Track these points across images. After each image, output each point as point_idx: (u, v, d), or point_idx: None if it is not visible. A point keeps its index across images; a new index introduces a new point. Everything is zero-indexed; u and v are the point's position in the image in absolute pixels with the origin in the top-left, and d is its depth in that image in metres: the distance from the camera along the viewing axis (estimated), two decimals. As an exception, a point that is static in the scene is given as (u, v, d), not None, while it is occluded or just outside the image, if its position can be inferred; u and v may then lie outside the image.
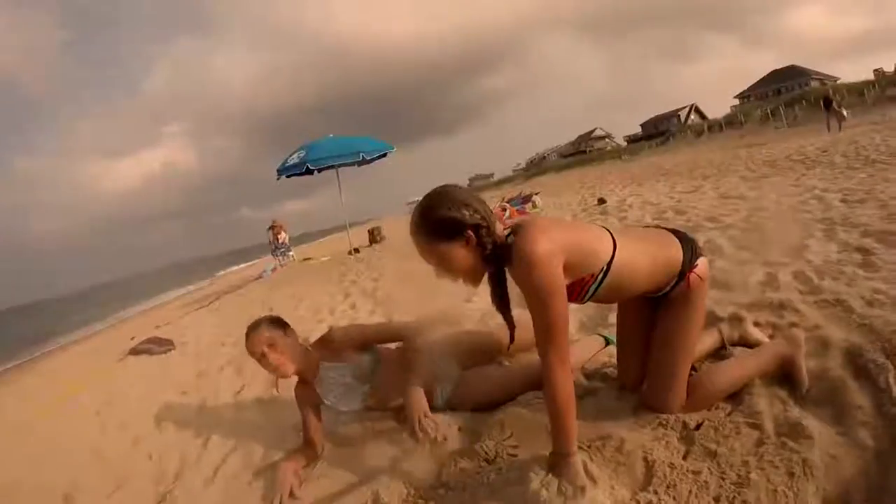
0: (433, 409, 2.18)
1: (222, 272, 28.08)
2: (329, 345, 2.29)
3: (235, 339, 5.10)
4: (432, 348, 2.31)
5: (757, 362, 1.86)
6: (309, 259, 12.79)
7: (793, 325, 2.17)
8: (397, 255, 9.05)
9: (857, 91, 30.14)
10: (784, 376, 1.82)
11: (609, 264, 1.65)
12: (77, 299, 52.79)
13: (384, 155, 11.37)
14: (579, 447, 1.56)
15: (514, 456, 1.80)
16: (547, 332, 1.51)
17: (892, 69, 36.86)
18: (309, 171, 10.54)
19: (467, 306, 4.12)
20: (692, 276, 1.74)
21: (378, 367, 2.28)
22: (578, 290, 1.67)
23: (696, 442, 1.60)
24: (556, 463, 1.53)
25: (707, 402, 1.77)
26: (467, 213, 1.56)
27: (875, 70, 38.36)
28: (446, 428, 1.96)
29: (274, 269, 11.91)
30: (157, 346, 5.68)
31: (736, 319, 2.22)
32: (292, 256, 13.45)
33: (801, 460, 1.43)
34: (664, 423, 1.74)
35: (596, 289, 1.67)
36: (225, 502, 2.10)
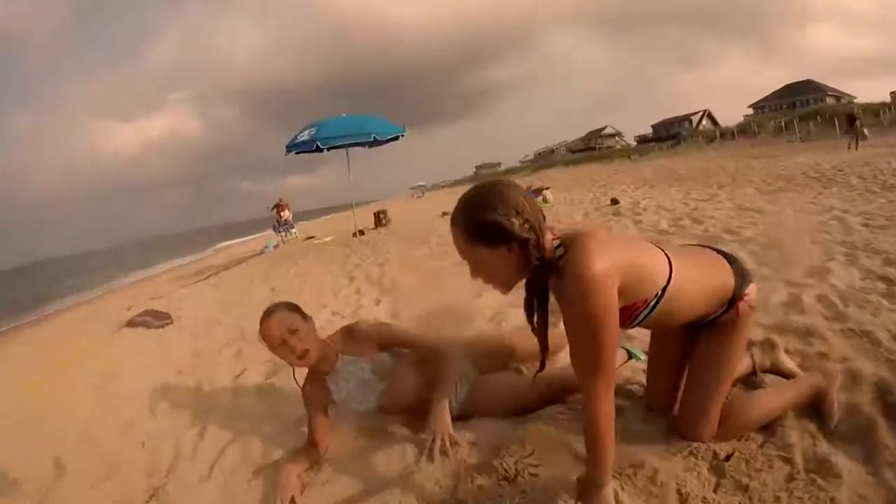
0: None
1: (222, 244, 27.92)
2: (353, 336, 2.17)
3: (234, 318, 5.01)
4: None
5: (793, 394, 1.79)
6: (312, 238, 12.67)
7: (822, 355, 2.12)
8: (403, 241, 8.98)
9: (874, 112, 29.67)
10: (813, 408, 1.76)
11: (664, 290, 1.53)
12: (71, 263, 52.38)
13: (396, 138, 11.21)
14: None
15: (536, 476, 1.68)
16: (594, 360, 1.39)
17: None
18: (318, 149, 10.38)
19: (477, 303, 4.00)
20: (742, 305, 1.65)
21: (395, 366, 2.15)
22: (627, 316, 1.55)
23: (727, 474, 1.54)
24: (587, 492, 1.44)
25: (739, 431, 1.70)
26: (517, 222, 1.41)
27: (892, 92, 38.25)
28: (466, 450, 1.86)
29: (276, 246, 11.79)
30: (155, 319, 5.55)
31: (769, 346, 2.13)
32: (295, 234, 13.32)
33: (829, 499, 1.39)
34: (695, 451, 1.66)
35: (647, 315, 1.56)
36: (222, 501, 1.98)
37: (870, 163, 9.88)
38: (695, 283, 1.59)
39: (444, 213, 13.63)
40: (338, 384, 2.13)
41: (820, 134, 28.09)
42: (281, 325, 2.00)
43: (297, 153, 10.76)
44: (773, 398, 1.76)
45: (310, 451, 2.07)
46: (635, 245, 1.62)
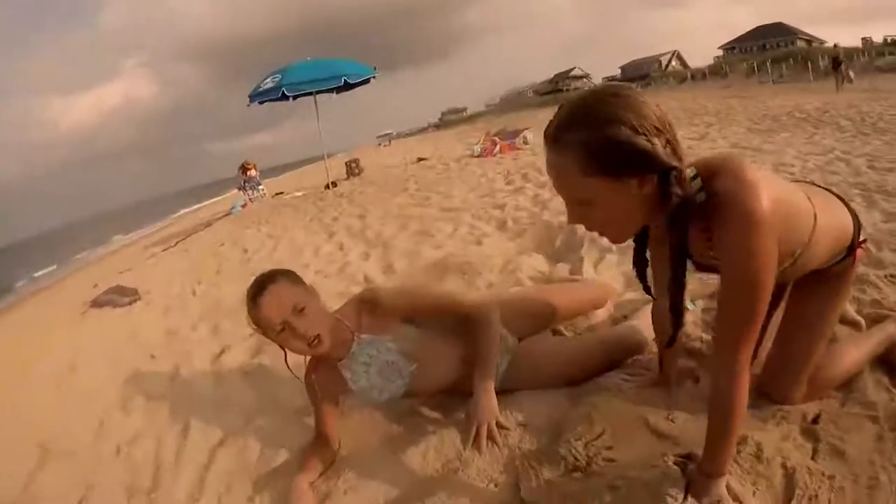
0: None
1: (189, 209, 26.80)
2: (371, 308, 1.71)
3: (207, 287, 4.57)
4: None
5: (872, 346, 1.59)
6: (281, 193, 12.13)
7: (876, 302, 1.93)
8: (379, 190, 8.61)
9: (847, 56, 30.21)
10: (880, 360, 1.60)
11: (809, 238, 1.24)
12: (33, 246, 50.37)
13: (366, 81, 10.48)
14: None
15: (612, 461, 1.35)
16: (747, 323, 1.10)
17: (880, 39, 36.68)
18: (284, 97, 9.67)
19: (479, 251, 3.62)
20: (860, 253, 1.41)
21: (423, 342, 1.72)
22: None
23: (821, 439, 1.36)
24: (701, 483, 1.16)
25: (825, 390, 1.51)
26: (659, 143, 1.02)
27: (863, 38, 38.03)
28: (517, 435, 1.52)
29: (244, 205, 11.23)
30: (121, 295, 5.01)
31: None
32: (263, 191, 12.72)
33: None
34: (785, 415, 1.44)
35: (783, 270, 1.25)
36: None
37: (854, 105, 9.76)
38: (830, 228, 1.31)
39: (420, 159, 13.35)
40: (355, 371, 1.71)
41: (792, 77, 28.45)
42: (281, 305, 1.53)
43: (261, 103, 10.04)
44: (854, 352, 1.56)
45: (320, 450, 1.68)
46: (780, 178, 1.30)
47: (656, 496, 1.15)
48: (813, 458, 1.32)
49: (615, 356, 1.78)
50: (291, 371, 1.72)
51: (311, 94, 10.06)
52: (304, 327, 1.53)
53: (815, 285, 1.43)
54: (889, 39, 36.15)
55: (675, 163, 1.04)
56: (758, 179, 1.07)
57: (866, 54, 30.48)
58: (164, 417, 2.25)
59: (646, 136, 1.01)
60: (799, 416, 1.44)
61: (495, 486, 1.39)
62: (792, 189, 1.27)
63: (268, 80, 9.72)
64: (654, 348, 1.80)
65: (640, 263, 1.30)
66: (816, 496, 1.21)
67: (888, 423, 1.37)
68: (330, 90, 10.37)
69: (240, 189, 12.98)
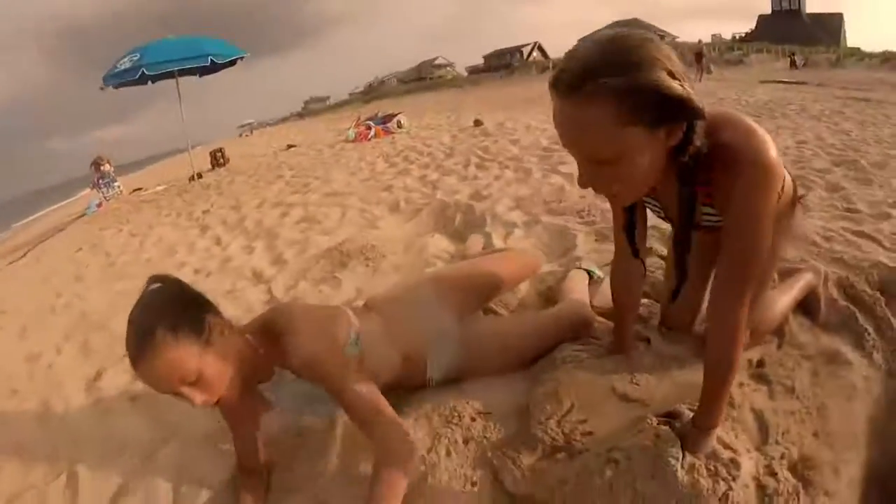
0: (426, 386, 1.58)
1: (29, 218, 23.67)
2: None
3: (69, 299, 3.92)
4: (411, 297, 1.63)
5: (797, 291, 1.72)
6: (140, 189, 10.92)
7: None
8: (251, 179, 8.03)
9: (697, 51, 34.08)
10: (799, 305, 1.74)
11: (782, 189, 1.32)
12: None
13: (233, 63, 9.58)
14: (690, 408, 1.25)
15: (590, 434, 1.31)
16: (749, 276, 1.10)
17: (728, 36, 43.44)
18: (143, 79, 8.52)
19: (378, 234, 3.41)
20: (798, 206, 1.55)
21: (360, 345, 1.44)
22: None
23: (772, 380, 1.47)
24: (693, 438, 1.16)
25: (764, 335, 1.61)
26: (692, 90, 0.96)
27: (713, 35, 44.81)
28: (480, 424, 1.40)
29: (99, 205, 10.09)
30: (-42, 322, 4.27)
31: None
32: (119, 188, 11.53)
33: (850, 385, 1.44)
34: None
35: None
36: None
37: (711, 92, 10.78)
38: (788, 184, 1.41)
39: (290, 146, 12.83)
40: (278, 392, 1.46)
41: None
42: (164, 381, 1.16)
43: (116, 87, 8.81)
44: (784, 298, 1.67)
45: (247, 481, 1.42)
46: None
47: (658, 460, 1.12)
48: (771, 399, 1.41)
49: (566, 330, 1.70)
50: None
51: (172, 75, 8.97)
52: (199, 398, 1.20)
53: None
54: (736, 36, 40.89)
55: (702, 109, 0.99)
56: (761, 130, 1.07)
57: (716, 49, 34.80)
58: (41, 469, 1.76)
59: (679, 81, 0.95)
60: (745, 363, 1.53)
61: (473, 485, 1.27)
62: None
63: (125, 59, 8.48)
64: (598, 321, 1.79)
65: (630, 225, 1.27)
66: (788, 431, 1.30)
67: (820, 359, 1.53)
68: (193, 71, 9.41)
69: (93, 187, 11.59)
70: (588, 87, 0.92)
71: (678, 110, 0.96)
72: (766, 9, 51.34)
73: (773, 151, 1.04)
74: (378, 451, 1.23)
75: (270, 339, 1.31)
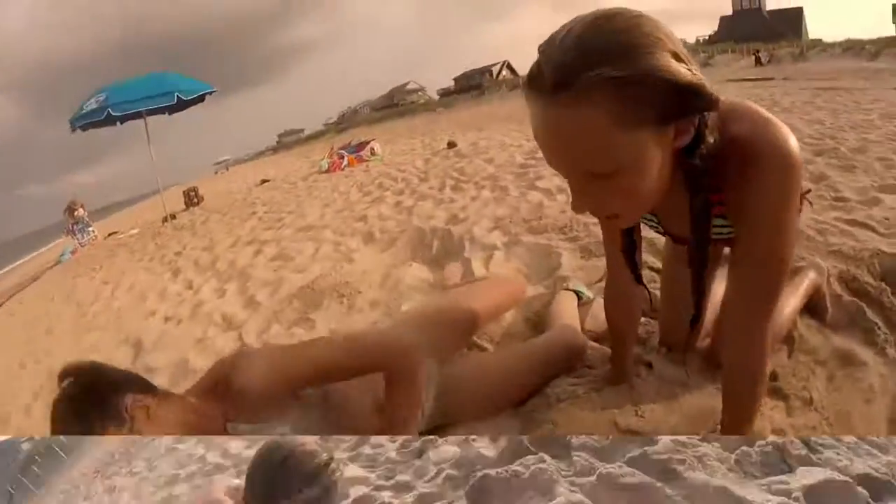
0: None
1: (13, 265, 23.27)
2: (240, 401, 1.14)
3: (42, 355, 3.75)
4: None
5: (802, 293, 1.62)
6: (115, 233, 10.77)
7: None
8: (225, 218, 7.84)
9: None
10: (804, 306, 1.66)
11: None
12: None
13: (202, 98, 9.38)
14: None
15: None
16: (777, 284, 0.97)
17: (693, 41, 44.66)
18: (110, 119, 8.39)
19: (352, 269, 3.26)
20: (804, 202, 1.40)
21: (329, 400, 1.28)
22: None
23: (788, 394, 1.39)
24: None
25: (776, 343, 1.47)
26: (706, 80, 0.78)
27: (697, 39, 46.44)
28: None
29: (74, 251, 9.92)
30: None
31: None
32: (93, 233, 11.33)
33: (868, 387, 1.38)
34: None
35: None
36: None
37: None
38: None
39: (264, 181, 12.72)
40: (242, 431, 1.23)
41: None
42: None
43: (83, 128, 8.66)
44: (791, 301, 1.56)
45: None
46: None
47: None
48: (789, 415, 1.34)
49: (559, 363, 1.55)
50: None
51: (140, 115, 8.78)
52: None
53: None
54: (700, 39, 42.24)
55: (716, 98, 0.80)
56: (779, 122, 0.90)
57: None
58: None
59: (686, 64, 0.76)
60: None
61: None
62: None
63: (91, 101, 8.33)
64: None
65: (630, 247, 1.10)
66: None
67: (833, 362, 1.46)
68: (162, 110, 9.22)
69: (67, 234, 11.45)
70: (579, 81, 0.72)
71: (690, 101, 0.77)
72: (728, 9, 52.69)
73: (794, 142, 0.87)
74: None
75: (221, 390, 1.15)
